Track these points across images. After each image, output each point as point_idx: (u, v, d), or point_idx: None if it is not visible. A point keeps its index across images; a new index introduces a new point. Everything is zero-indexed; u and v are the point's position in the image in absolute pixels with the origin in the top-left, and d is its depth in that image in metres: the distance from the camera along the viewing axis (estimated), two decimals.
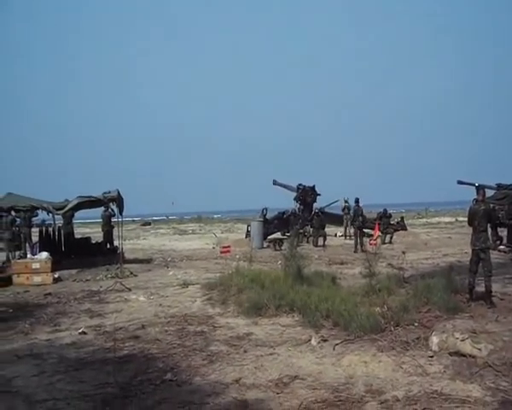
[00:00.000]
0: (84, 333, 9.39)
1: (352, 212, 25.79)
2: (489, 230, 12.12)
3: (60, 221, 23.46)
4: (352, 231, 25.60)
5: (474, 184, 19.01)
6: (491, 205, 14.01)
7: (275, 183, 32.74)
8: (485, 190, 11.93)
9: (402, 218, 31.58)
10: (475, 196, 10.94)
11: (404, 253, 17.13)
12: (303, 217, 28.41)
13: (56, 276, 16.57)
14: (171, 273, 16.99)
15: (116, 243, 21.15)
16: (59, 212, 19.37)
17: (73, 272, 17.85)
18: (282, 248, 21.91)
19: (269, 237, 26.99)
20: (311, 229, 27.11)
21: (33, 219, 22.84)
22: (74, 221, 24.06)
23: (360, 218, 23.08)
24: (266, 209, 27.83)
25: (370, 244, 17.92)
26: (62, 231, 22.14)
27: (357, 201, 24.16)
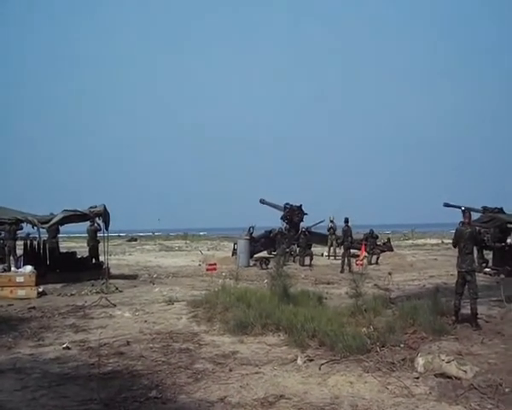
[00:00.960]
0: (68, 348, 9.31)
1: (338, 232, 25.80)
2: (475, 252, 12.20)
3: (45, 235, 23.31)
4: (339, 250, 25.65)
5: (460, 207, 19.15)
6: (477, 228, 14.13)
7: (262, 202, 32.76)
8: (471, 213, 12.04)
9: (388, 239, 31.71)
10: (462, 219, 11.03)
11: (390, 274, 17.23)
12: (289, 236, 28.37)
13: (41, 290, 16.40)
14: (156, 290, 16.88)
15: (102, 258, 21.02)
16: (44, 225, 19.22)
17: (58, 286, 17.69)
18: (269, 266, 21.85)
19: (255, 256, 26.94)
20: (298, 248, 27.11)
21: (18, 232, 22.66)
22: (60, 235, 23.85)
23: (349, 238, 23.09)
24: (253, 228, 27.77)
25: (357, 265, 17.98)
26: (47, 245, 21.99)
27: (346, 221, 24.22)
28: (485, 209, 21.79)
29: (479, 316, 10.24)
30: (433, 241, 45.12)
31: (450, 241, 11.47)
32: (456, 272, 10.88)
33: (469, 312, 10.22)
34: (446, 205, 22.30)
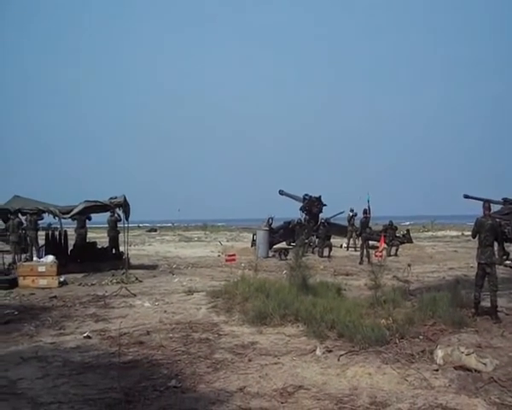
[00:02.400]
0: (88, 337, 9.41)
1: (358, 223, 25.68)
2: (495, 245, 12.09)
3: (68, 225, 23.57)
4: (359, 242, 25.56)
5: (480, 199, 18.98)
6: (498, 220, 13.98)
7: (281, 193, 32.75)
8: (492, 204, 11.92)
9: (408, 230, 31.48)
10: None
11: (409, 265, 17.11)
12: (309, 227, 28.32)
13: (62, 279, 16.61)
14: (176, 280, 16.99)
15: (122, 248, 21.20)
16: (65, 215, 19.44)
17: (79, 276, 17.90)
18: (288, 257, 21.87)
19: (274, 247, 26.97)
20: (317, 239, 27.08)
21: (39, 222, 22.90)
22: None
23: (368, 229, 22.99)
24: (272, 219, 27.75)
25: (376, 256, 17.88)
26: (75, 235, 22.27)
27: (365, 212, 24.11)
28: (505, 201, 21.56)
29: (499, 309, 10.16)
30: (453, 233, 44.82)
31: (471, 233, 11.37)
32: (476, 265, 10.80)
33: (489, 304, 10.15)
34: (466, 197, 22.11)
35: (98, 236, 31.75)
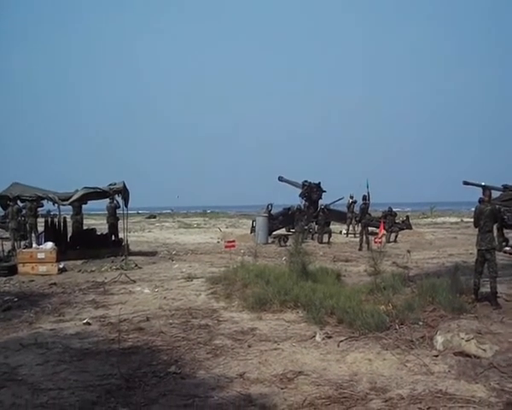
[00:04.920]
0: (88, 324, 9.42)
1: (358, 209, 25.67)
2: (495, 231, 12.07)
3: (66, 212, 23.55)
4: (358, 228, 25.56)
5: (480, 185, 18.94)
6: (497, 206, 13.95)
7: (280, 179, 32.70)
8: (492, 191, 11.88)
9: (407, 217, 31.46)
10: (481, 196, 10.90)
11: (409, 252, 17.12)
12: (308, 213, 28.32)
13: (61, 266, 16.63)
14: (175, 266, 17.00)
15: (121, 235, 21.20)
16: (64, 202, 19.43)
17: (78, 262, 17.92)
18: (287, 244, 21.90)
19: (274, 233, 26.99)
20: (316, 226, 27.09)
21: (39, 209, 22.88)
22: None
23: (367, 216, 22.98)
24: (271, 205, 27.71)
25: (375, 242, 17.88)
26: (71, 222, 22.26)
27: (364, 198, 24.08)
28: (505, 187, 21.49)
29: (498, 295, 10.14)
30: (453, 219, 44.74)
31: (470, 219, 11.37)
32: (475, 251, 10.78)
33: (489, 290, 10.14)
34: (466, 183, 22.02)
35: (97, 222, 31.75)
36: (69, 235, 21.70)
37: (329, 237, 25.53)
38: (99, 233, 22.79)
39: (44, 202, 20.71)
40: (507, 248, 19.69)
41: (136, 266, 16.98)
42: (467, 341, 7.39)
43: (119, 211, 22.04)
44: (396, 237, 25.93)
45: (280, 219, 28.33)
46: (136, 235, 29.89)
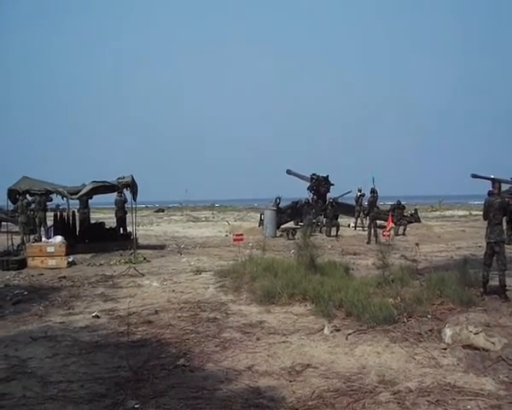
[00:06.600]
0: (97, 317, 9.46)
1: (366, 202, 25.62)
2: (504, 224, 12.02)
3: (76, 206, 23.63)
4: (366, 221, 25.51)
5: (489, 178, 18.82)
6: (507, 199, 13.88)
7: (289, 172, 32.68)
8: (501, 183, 11.81)
9: (416, 210, 31.38)
10: (490, 189, 10.86)
11: (417, 245, 17.10)
12: (316, 207, 28.30)
13: (70, 260, 16.70)
14: (184, 260, 17.03)
15: (130, 228, 21.26)
16: (73, 196, 19.48)
17: (87, 256, 17.97)
18: (295, 237, 21.89)
19: (282, 226, 26.98)
20: (325, 219, 27.06)
21: (48, 203, 22.97)
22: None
23: (375, 209, 22.93)
24: (279, 198, 27.70)
25: (383, 236, 17.85)
26: (78, 215, 22.33)
27: (372, 191, 24.02)
28: None
29: (507, 288, 10.12)
30: (461, 212, 44.63)
31: (478, 213, 11.34)
32: (484, 244, 10.74)
33: (498, 283, 10.10)
34: (474, 176, 21.81)
35: (106, 216, 31.85)
36: (78, 229, 21.79)
37: (337, 230, 25.51)
38: (108, 227, 22.86)
39: (53, 195, 20.76)
40: None
41: (145, 259, 17.03)
42: (475, 334, 7.37)
43: (127, 205, 22.09)
44: (404, 230, 25.87)
45: (288, 213, 28.32)
46: (144, 228, 29.97)
